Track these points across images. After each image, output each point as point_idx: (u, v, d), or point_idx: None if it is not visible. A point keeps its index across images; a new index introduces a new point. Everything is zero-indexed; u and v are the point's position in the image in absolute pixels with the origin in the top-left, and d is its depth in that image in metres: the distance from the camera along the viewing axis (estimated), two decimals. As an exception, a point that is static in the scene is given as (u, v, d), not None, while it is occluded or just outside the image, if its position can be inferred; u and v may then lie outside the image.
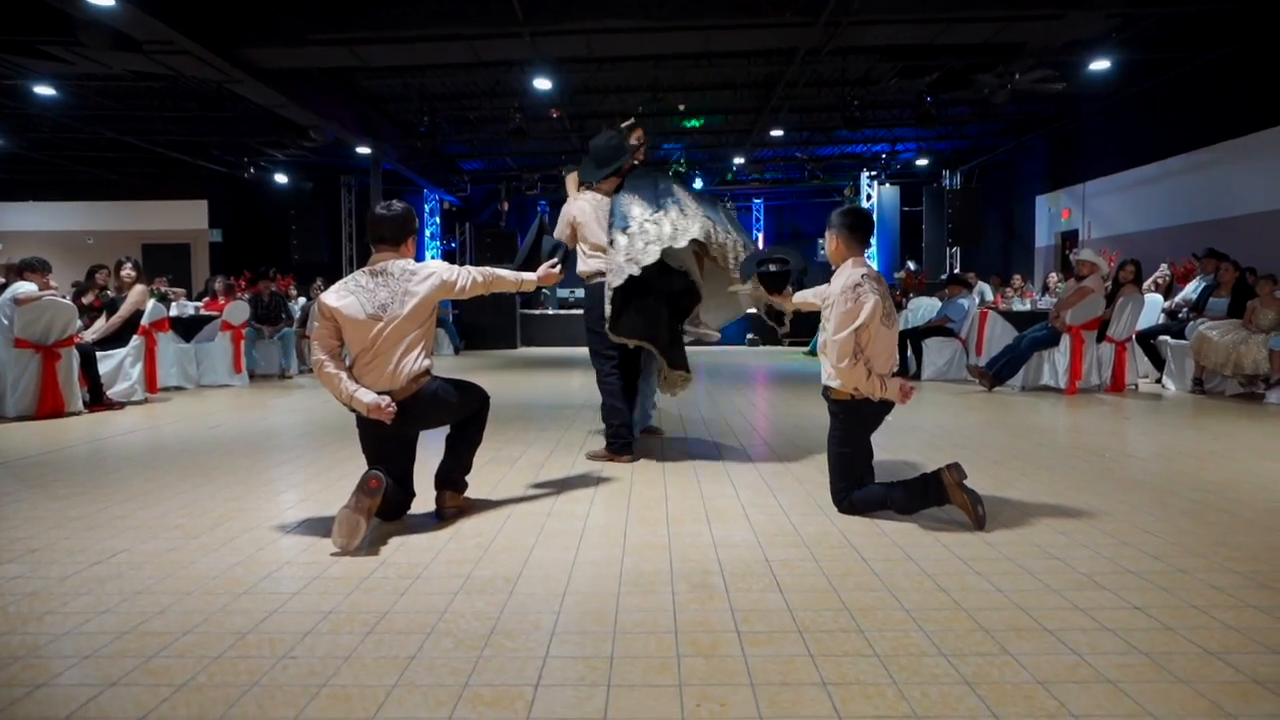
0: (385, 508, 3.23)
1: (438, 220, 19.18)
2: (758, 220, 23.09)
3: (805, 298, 3.83)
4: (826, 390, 3.49)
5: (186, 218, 18.11)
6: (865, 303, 3.33)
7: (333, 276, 16.66)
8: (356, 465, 3.37)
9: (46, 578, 2.76)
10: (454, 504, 3.51)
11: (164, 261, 18.11)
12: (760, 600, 2.51)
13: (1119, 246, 13.79)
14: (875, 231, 18.92)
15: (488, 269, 3.71)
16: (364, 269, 3.36)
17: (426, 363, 3.36)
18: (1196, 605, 2.43)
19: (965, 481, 3.23)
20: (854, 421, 3.46)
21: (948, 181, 17.69)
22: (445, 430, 3.61)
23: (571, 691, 1.93)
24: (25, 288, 6.71)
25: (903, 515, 3.38)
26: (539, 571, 2.79)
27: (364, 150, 13.73)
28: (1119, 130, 13.52)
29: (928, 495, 3.29)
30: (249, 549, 3.07)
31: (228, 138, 13.71)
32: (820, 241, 21.92)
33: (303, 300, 12.52)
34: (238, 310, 9.72)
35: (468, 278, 3.48)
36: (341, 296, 3.27)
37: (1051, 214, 16.21)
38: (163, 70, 9.58)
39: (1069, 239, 15.66)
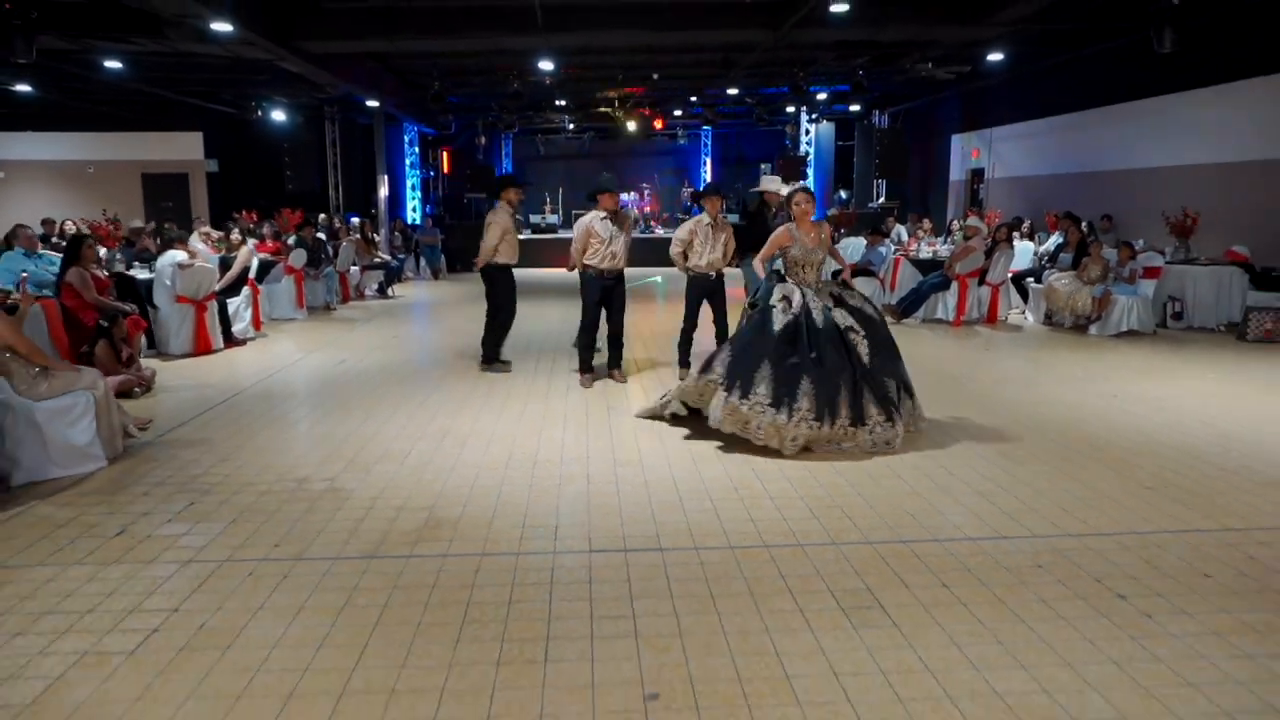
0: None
1: (417, 150, 20.77)
2: (705, 146, 25.29)
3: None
4: None
5: (183, 148, 19.23)
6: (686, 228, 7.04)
7: (323, 207, 18.31)
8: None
9: (484, 485, 5.09)
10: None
11: (164, 190, 19.46)
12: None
13: (1018, 187, 16.60)
14: (813, 164, 21.47)
15: None
16: (601, 213, 7.10)
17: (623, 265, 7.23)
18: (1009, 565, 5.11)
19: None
20: (688, 285, 7.12)
21: (877, 120, 20.10)
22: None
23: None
24: (179, 256, 8.74)
25: None
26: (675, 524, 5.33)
27: (373, 104, 15.41)
28: (1021, 87, 16.03)
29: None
30: (550, 482, 5.16)
31: (241, 90, 15.12)
32: (763, 167, 24.14)
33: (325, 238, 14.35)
34: (298, 256, 11.75)
35: None
36: (601, 225, 7.04)
37: (964, 152, 18.84)
38: (225, 54, 11.24)
39: (977, 175, 18.41)
